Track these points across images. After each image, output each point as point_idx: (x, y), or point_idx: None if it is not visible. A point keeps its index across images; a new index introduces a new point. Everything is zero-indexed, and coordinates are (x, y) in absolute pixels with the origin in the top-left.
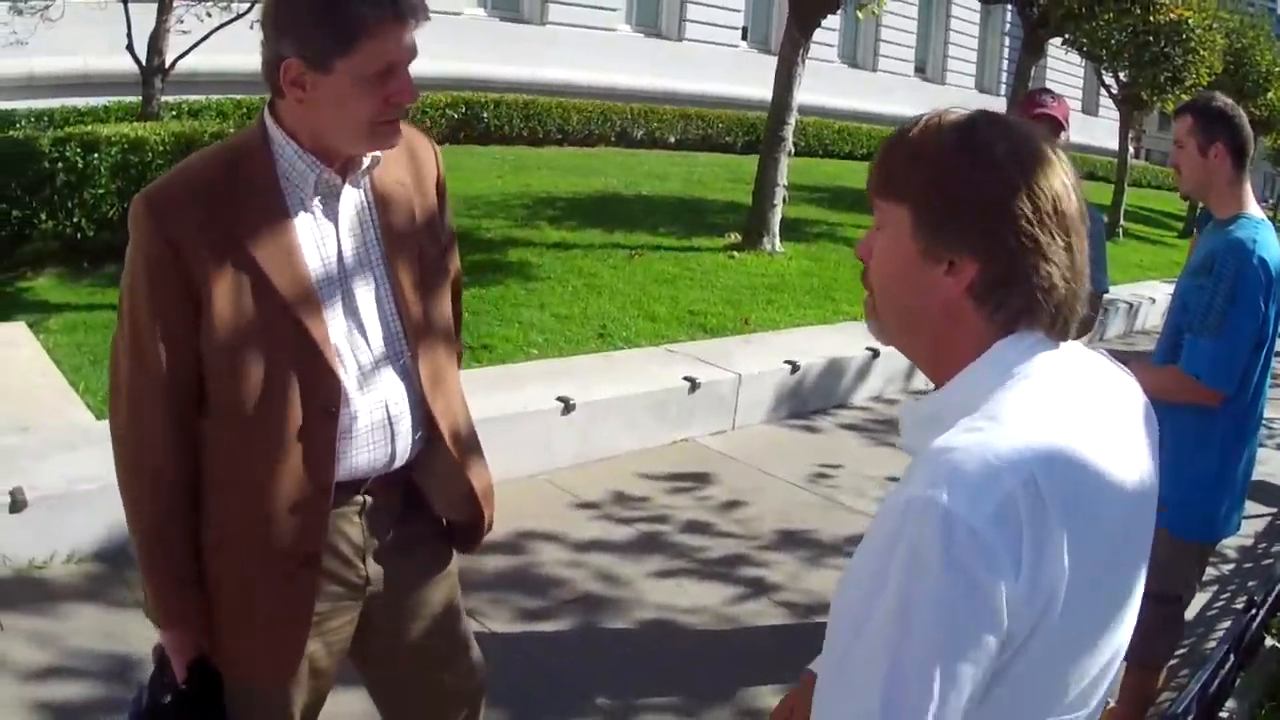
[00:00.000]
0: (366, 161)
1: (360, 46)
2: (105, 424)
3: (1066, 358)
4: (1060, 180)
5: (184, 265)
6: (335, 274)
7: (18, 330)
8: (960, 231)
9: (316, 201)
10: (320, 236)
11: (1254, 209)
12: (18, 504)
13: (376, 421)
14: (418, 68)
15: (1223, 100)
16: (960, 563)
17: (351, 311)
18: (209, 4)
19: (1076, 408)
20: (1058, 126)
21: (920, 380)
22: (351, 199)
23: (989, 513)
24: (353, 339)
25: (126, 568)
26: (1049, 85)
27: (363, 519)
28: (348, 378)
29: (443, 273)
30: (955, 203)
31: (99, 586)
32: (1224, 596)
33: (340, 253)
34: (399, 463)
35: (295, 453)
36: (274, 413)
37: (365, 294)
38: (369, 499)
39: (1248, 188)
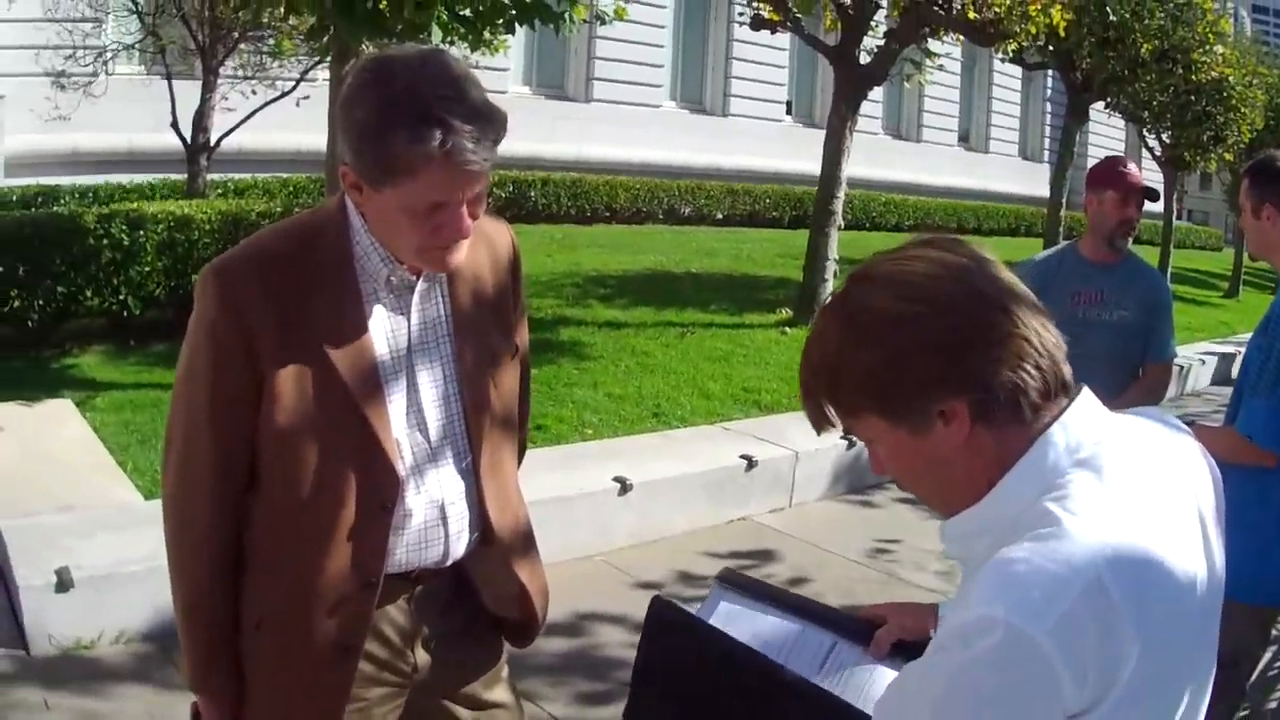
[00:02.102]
0: (408, 279)
1: (402, 182)
2: (153, 504)
3: (1120, 434)
4: (953, 281)
5: (249, 340)
6: (402, 367)
7: (64, 407)
8: (923, 391)
9: (389, 292)
10: (391, 329)
11: None
12: (64, 584)
13: (431, 520)
14: None
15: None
16: (1016, 687)
17: (415, 406)
18: (254, 81)
19: (1139, 492)
20: (1154, 195)
21: None
22: (425, 290)
23: (1052, 625)
24: (413, 435)
25: (175, 649)
26: (1092, 149)
27: (411, 605)
28: (405, 474)
29: (513, 366)
30: (896, 379)
31: (146, 667)
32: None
33: (410, 346)
34: (450, 561)
35: (345, 546)
36: (327, 503)
37: (430, 389)
38: (418, 587)
39: None
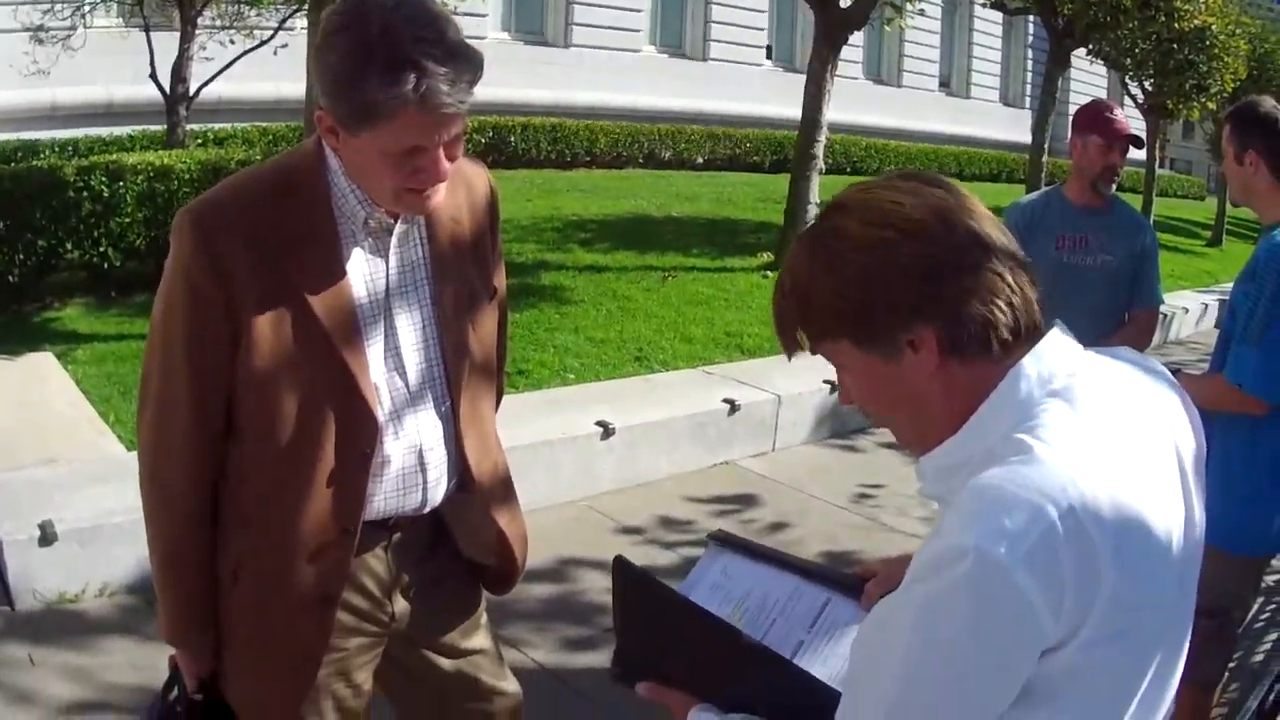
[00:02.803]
0: (386, 222)
1: (379, 126)
2: (135, 455)
3: (1095, 369)
4: (915, 209)
5: (226, 285)
6: (381, 311)
7: (46, 360)
8: (891, 318)
9: (366, 235)
10: (369, 272)
11: None
12: (48, 537)
13: (409, 466)
14: None
15: (1264, 105)
16: (990, 617)
17: (393, 350)
18: (232, 31)
19: (1114, 425)
20: (1138, 142)
21: None
22: (404, 233)
23: (1025, 551)
24: (391, 380)
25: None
26: (1074, 95)
27: (389, 554)
28: (384, 420)
29: (491, 310)
30: (867, 303)
31: (131, 619)
32: (1270, 608)
33: (388, 289)
34: (429, 508)
35: (324, 493)
36: (306, 450)
37: (409, 332)
38: (396, 535)
39: None
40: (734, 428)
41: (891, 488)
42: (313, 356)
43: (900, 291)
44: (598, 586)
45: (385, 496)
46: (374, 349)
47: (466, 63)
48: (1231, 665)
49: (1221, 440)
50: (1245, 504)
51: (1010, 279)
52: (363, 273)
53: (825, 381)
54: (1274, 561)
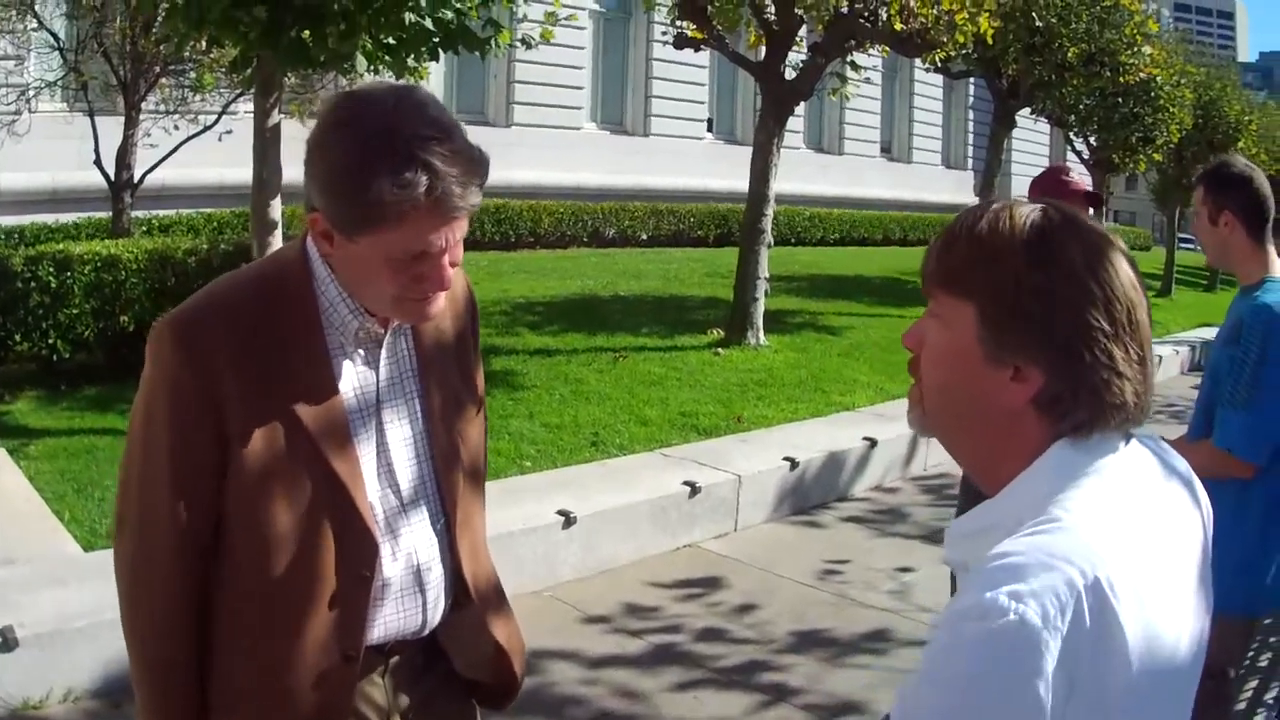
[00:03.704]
0: (370, 329)
1: (384, 230)
2: (95, 556)
3: (1126, 453)
4: (1133, 286)
5: (215, 401)
6: (372, 424)
7: None
8: (1030, 340)
9: (356, 346)
10: (359, 384)
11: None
12: (9, 643)
13: (407, 587)
14: None
15: (1237, 165)
16: (1018, 671)
17: (385, 465)
18: (176, 116)
19: (1141, 508)
20: (1097, 202)
21: (919, 465)
22: (392, 343)
23: (1048, 618)
24: (385, 497)
25: (125, 702)
26: (1017, 154)
27: (385, 679)
28: (381, 539)
29: (477, 416)
30: (1026, 310)
31: None
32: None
33: (378, 400)
34: (428, 629)
35: (324, 618)
36: (303, 573)
37: (400, 446)
38: (394, 659)
39: (1271, 251)
40: (695, 510)
41: (857, 561)
42: (306, 475)
43: (1062, 331)
44: (568, 678)
45: (385, 621)
46: (367, 464)
47: (476, 164)
48: None
49: (1213, 504)
50: (1237, 566)
51: (1145, 399)
52: (353, 385)
53: (785, 459)
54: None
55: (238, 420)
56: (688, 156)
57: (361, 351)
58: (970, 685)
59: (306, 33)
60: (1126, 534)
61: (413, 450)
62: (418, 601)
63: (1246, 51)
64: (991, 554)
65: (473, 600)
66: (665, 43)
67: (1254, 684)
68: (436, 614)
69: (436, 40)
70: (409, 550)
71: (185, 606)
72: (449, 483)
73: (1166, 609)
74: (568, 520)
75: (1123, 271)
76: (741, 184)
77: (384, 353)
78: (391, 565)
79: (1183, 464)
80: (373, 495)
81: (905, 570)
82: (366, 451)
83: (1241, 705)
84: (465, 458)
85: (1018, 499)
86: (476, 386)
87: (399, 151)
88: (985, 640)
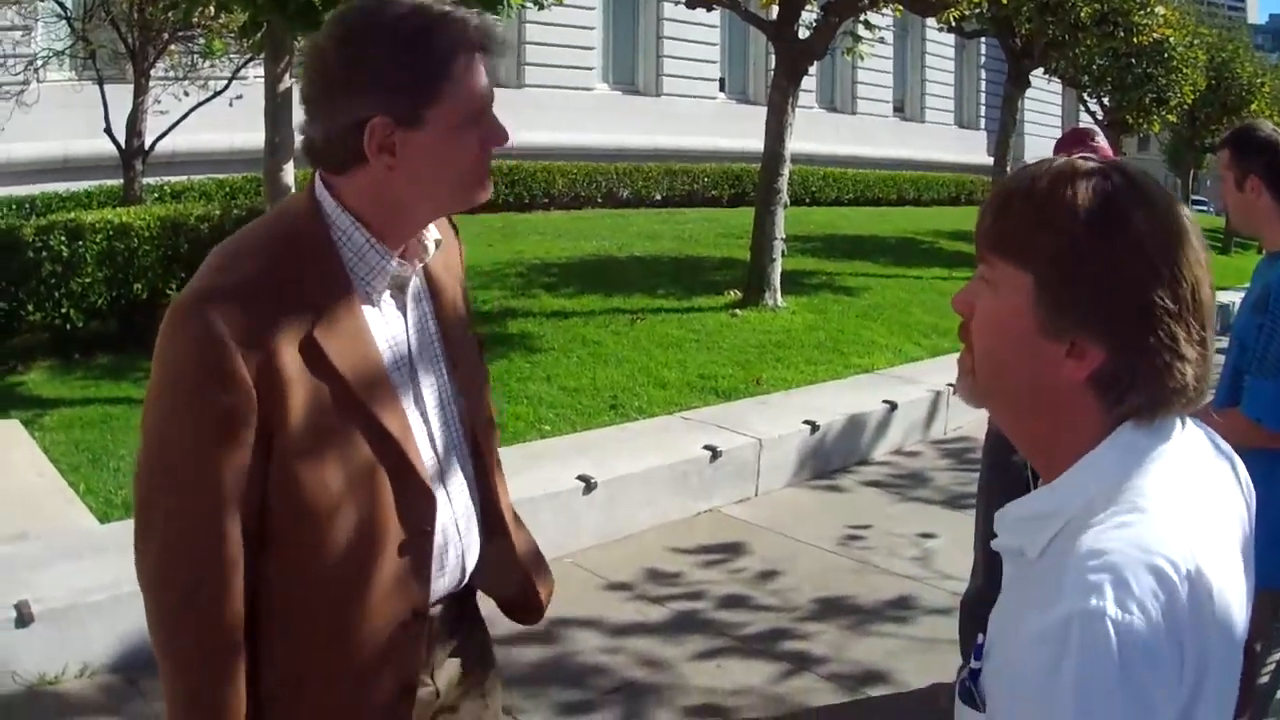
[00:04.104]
0: (431, 246)
1: (448, 90)
2: (110, 528)
3: (1184, 435)
4: (1198, 262)
5: (244, 376)
6: (406, 374)
7: (12, 429)
8: (1089, 314)
9: (386, 294)
10: (391, 333)
11: None
12: (24, 618)
13: (450, 539)
14: None
15: (1264, 129)
16: (1138, 682)
17: (422, 415)
18: (186, 83)
19: (1204, 490)
20: None
21: (939, 429)
22: (414, 293)
23: (1157, 619)
24: (425, 450)
25: (141, 678)
26: (1030, 114)
27: (428, 632)
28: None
29: (483, 366)
30: (1087, 282)
31: (114, 700)
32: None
33: (409, 350)
34: (465, 581)
35: (389, 581)
36: (365, 539)
37: (430, 395)
38: (437, 610)
39: None
40: (716, 474)
41: (879, 527)
42: (359, 432)
43: (1124, 307)
44: (589, 647)
45: (435, 574)
46: (412, 417)
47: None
48: None
49: None
50: (1266, 538)
51: (1204, 381)
52: (386, 338)
53: (805, 422)
54: None
55: (278, 382)
56: (700, 117)
57: (390, 301)
58: (1090, 698)
59: None
60: (1200, 518)
61: (438, 399)
62: (458, 552)
63: (1256, 13)
64: (1080, 551)
65: (499, 533)
66: (677, 2)
67: (1277, 657)
68: (470, 564)
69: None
70: (446, 504)
71: (239, 605)
72: (479, 433)
73: (1232, 590)
74: (588, 485)
75: (1190, 245)
76: (755, 143)
77: (409, 301)
78: (439, 518)
79: (1224, 442)
80: (422, 446)
81: (927, 536)
82: (408, 404)
83: (1264, 679)
84: (482, 408)
85: (1083, 485)
86: (476, 334)
87: (436, 13)
88: (1099, 649)
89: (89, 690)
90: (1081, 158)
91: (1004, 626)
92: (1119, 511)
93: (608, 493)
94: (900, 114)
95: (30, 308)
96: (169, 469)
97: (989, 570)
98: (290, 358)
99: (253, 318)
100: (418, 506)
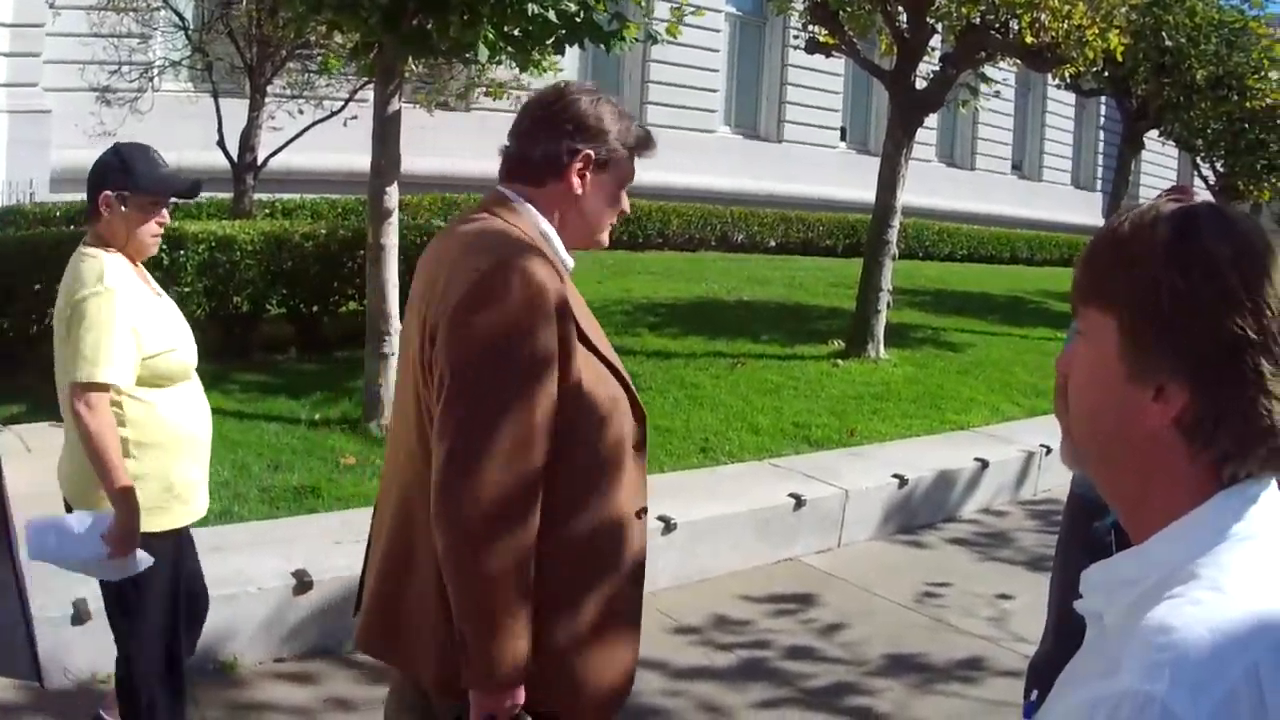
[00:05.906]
0: (571, 262)
1: (622, 166)
2: None
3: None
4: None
5: (565, 312)
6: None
7: None
8: (1171, 353)
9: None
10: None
11: None
12: (80, 615)
13: None
14: None
15: None
16: None
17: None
18: (301, 100)
19: None
20: None
21: (1029, 490)
22: None
23: (1208, 711)
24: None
25: (194, 678)
26: (1145, 177)
27: None
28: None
29: None
30: (1168, 317)
31: None
32: None
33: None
34: None
35: (629, 484)
36: (617, 452)
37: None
38: None
39: None
40: (799, 523)
41: (959, 586)
42: (607, 374)
43: (1205, 341)
44: (651, 689)
45: None
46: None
47: None
48: None
49: None
50: None
51: None
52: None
53: (894, 475)
54: None
55: (569, 340)
56: (820, 165)
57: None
58: None
59: (429, 21)
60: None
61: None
62: None
63: None
64: (1149, 624)
65: None
66: (799, 48)
67: None
68: None
69: (563, 32)
70: None
71: (538, 513)
72: None
73: None
74: (667, 526)
75: (1277, 273)
76: (872, 194)
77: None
78: None
79: None
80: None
81: (1005, 597)
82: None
83: None
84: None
85: (1171, 550)
86: None
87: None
88: None
89: None
90: (1168, 200)
91: (1064, 688)
92: (1198, 586)
93: (687, 534)
94: (1018, 171)
95: None
96: (515, 388)
97: (1059, 634)
98: (567, 315)
99: (553, 280)
100: (638, 425)
